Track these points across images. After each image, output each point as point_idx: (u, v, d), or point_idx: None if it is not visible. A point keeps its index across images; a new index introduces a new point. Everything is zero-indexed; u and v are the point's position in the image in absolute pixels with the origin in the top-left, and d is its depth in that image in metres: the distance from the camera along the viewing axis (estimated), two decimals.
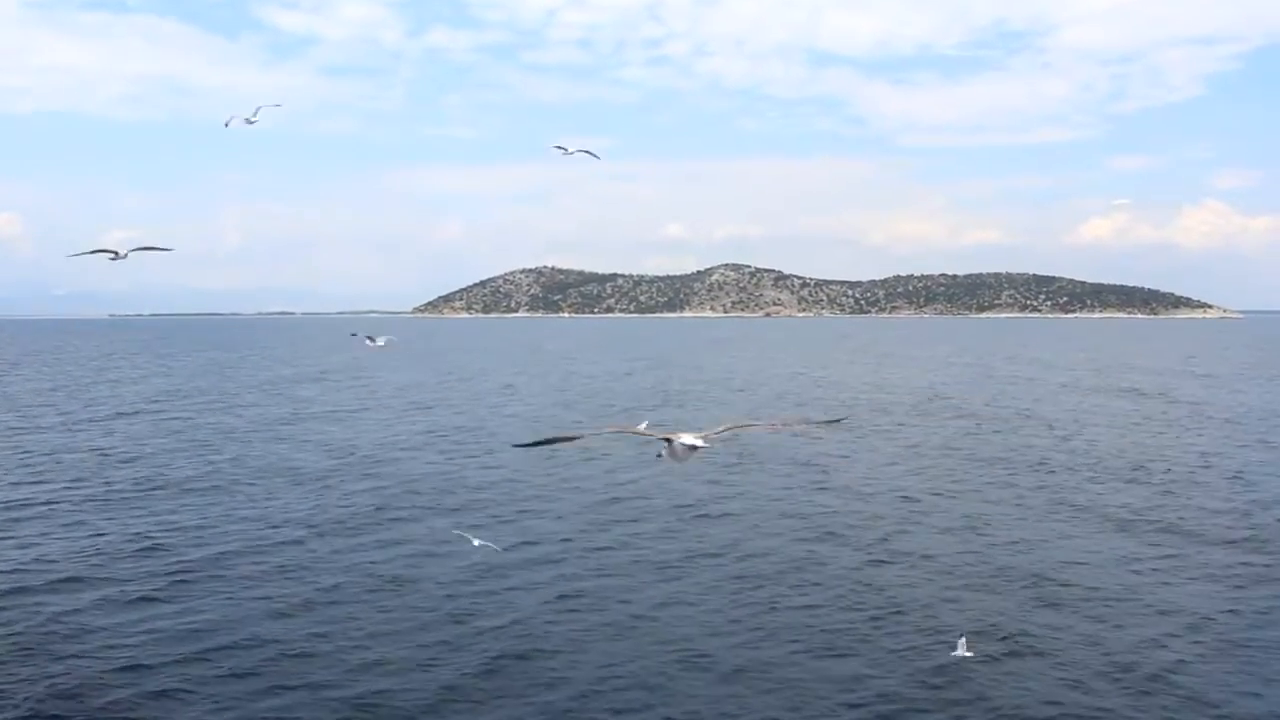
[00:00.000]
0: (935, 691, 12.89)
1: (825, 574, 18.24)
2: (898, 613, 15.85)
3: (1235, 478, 27.37)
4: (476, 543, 16.55)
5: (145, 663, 13.64)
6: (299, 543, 20.40)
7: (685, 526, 22.13)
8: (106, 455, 31.95)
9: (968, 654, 13.50)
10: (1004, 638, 14.58)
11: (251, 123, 17.25)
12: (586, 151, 13.60)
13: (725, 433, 9.38)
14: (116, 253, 12.35)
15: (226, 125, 17.10)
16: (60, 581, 17.42)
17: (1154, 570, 18.15)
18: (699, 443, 9.16)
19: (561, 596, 16.88)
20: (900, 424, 40.91)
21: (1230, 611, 15.64)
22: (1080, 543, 20.30)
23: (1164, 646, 14.12)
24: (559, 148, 13.47)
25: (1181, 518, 22.31)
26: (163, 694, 12.62)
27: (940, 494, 25.51)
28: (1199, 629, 14.86)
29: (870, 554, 19.61)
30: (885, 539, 20.72)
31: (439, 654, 14.18)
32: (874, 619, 15.60)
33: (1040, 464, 29.99)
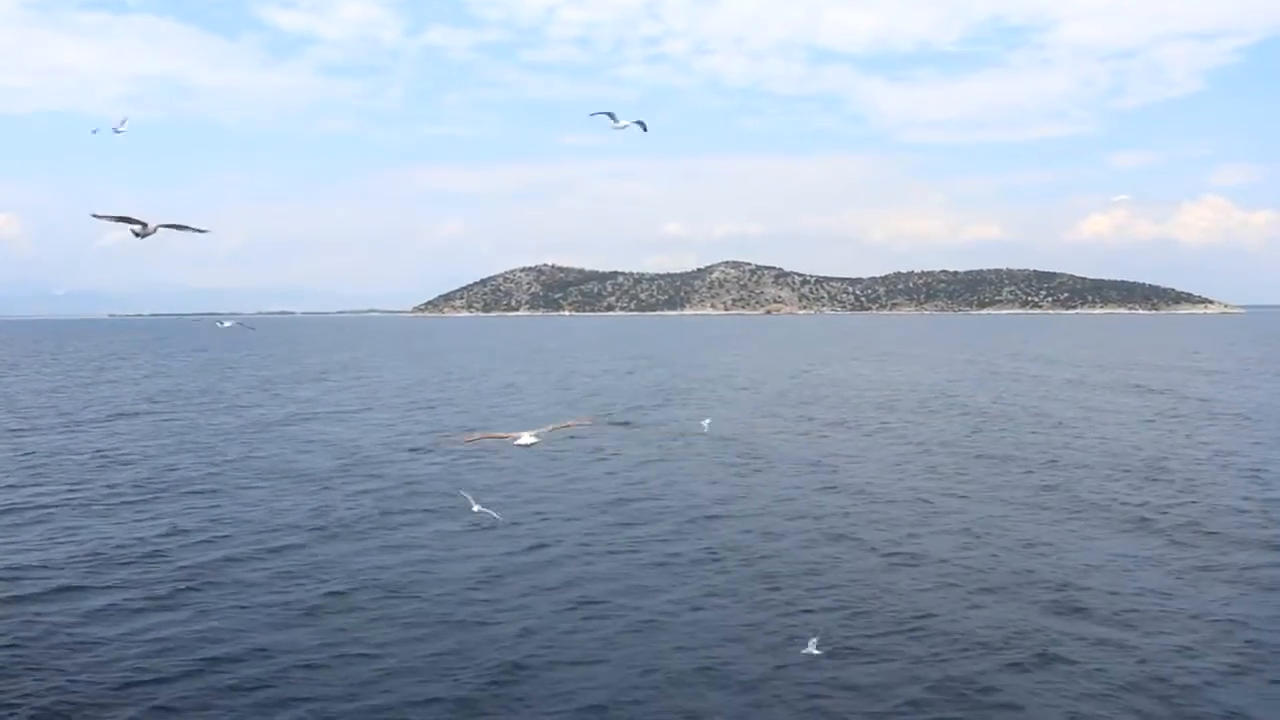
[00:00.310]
0: (961, 700, 12.52)
1: (841, 577, 17.86)
2: (921, 617, 15.47)
3: (1253, 476, 26.97)
4: (476, 508, 16.33)
5: (150, 673, 13.27)
6: (305, 547, 20.04)
7: (695, 528, 21.77)
8: (107, 457, 31.59)
9: (817, 651, 13.47)
10: (1031, 645, 14.21)
11: (119, 132, 17.16)
12: (638, 123, 13.20)
13: (552, 431, 12.47)
14: (145, 224, 11.01)
15: (95, 132, 16.43)
16: (62, 588, 17.05)
17: (1180, 573, 17.75)
18: (532, 440, 12.25)
19: (573, 602, 16.50)
20: (907, 422, 40.53)
21: (1266, 616, 15.24)
22: (1101, 544, 19.92)
23: (1197, 655, 13.71)
24: (608, 115, 12.97)
25: (1204, 517, 21.91)
26: (169, 709, 12.25)
27: (953, 494, 25.13)
28: (1231, 634, 14.45)
29: (886, 557, 19.22)
30: (900, 541, 20.34)
31: (450, 663, 13.81)
32: (895, 624, 15.22)
33: (1052, 463, 29.61)
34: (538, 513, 23.09)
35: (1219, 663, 13.48)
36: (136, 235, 10.78)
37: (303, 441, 35.33)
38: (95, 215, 10.62)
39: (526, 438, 12.57)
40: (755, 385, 61.09)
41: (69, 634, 14.73)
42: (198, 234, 11.48)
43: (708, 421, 32.51)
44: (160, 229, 10.86)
